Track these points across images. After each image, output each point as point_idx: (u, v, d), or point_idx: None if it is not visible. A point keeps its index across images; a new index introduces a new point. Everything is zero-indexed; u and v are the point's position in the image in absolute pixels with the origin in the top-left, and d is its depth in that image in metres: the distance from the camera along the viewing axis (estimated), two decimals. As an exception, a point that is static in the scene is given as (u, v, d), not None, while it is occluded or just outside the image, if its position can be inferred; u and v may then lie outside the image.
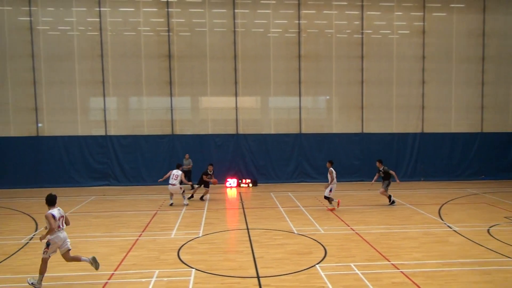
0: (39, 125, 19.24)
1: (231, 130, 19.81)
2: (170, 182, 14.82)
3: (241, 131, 19.86)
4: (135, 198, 16.51)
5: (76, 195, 17.17)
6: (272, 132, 19.99)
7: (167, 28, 19.24)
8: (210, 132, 19.74)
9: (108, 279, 8.15)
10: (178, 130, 19.70)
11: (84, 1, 19.00)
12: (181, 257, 9.36)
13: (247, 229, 11.77)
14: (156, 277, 8.19)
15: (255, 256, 9.42)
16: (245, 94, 19.90)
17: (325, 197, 14.01)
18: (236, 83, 19.60)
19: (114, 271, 8.59)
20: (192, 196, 15.98)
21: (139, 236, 11.07)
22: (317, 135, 20.08)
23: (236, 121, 19.79)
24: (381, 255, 9.37)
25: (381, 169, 14.46)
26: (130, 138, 19.46)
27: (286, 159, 19.97)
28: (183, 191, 15.06)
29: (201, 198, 15.94)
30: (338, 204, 14.00)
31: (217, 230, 11.63)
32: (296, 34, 19.76)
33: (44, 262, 7.75)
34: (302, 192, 17.48)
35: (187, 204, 14.90)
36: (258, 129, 20.03)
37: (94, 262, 7.97)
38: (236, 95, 19.68)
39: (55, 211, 8.05)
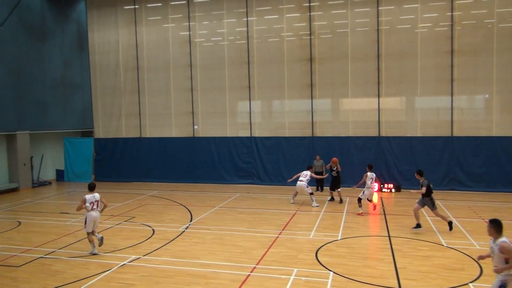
0: (195, 127, 21.58)
1: (372, 132, 19.07)
2: (299, 179, 15.40)
3: (383, 134, 18.95)
4: (276, 197, 17.18)
5: (224, 191, 18.71)
6: (419, 134, 18.55)
7: (309, 32, 19.55)
8: (350, 134, 19.34)
9: (251, 272, 8.67)
10: (318, 132, 19.82)
11: (233, 13, 20.62)
12: (319, 258, 9.39)
13: (389, 236, 11.17)
14: (295, 276, 8.39)
15: (397, 265, 8.88)
16: (389, 95, 18.92)
17: (368, 200, 14.29)
18: (378, 83, 18.80)
19: (256, 264, 9.09)
20: (332, 198, 16.11)
21: (279, 234, 11.49)
22: (473, 138, 17.88)
23: (378, 123, 18.96)
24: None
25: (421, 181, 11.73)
26: (272, 139, 20.36)
27: (434, 164, 18.29)
28: (311, 193, 15.23)
29: (340, 201, 15.79)
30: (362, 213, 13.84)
31: (356, 235, 11.32)
32: (448, 27, 17.97)
33: (88, 234, 10.14)
34: (453, 201, 15.79)
35: (317, 206, 14.94)
36: (403, 131, 18.82)
37: (100, 240, 9.98)
38: (378, 96, 18.88)
39: (89, 196, 10.16)
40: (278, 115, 20.51)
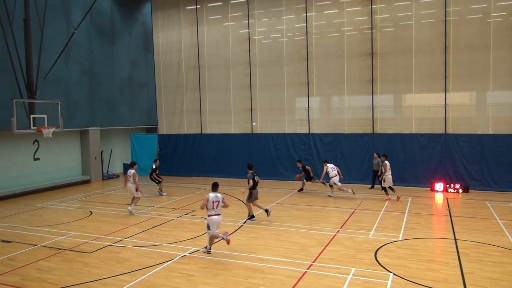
0: (254, 123, 21.83)
1: (438, 130, 18.10)
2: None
3: (450, 131, 17.92)
4: (334, 195, 16.90)
5: (281, 188, 18.76)
6: (490, 132, 17.31)
7: (370, 26, 18.96)
8: (414, 132, 18.52)
9: (307, 269, 8.63)
10: (379, 129, 19.20)
11: (293, 9, 20.54)
12: (379, 259, 9.13)
13: (455, 239, 10.58)
14: (352, 275, 8.23)
15: (463, 270, 8.39)
16: (456, 90, 17.83)
17: (382, 188, 15.68)
18: (445, 77, 17.79)
19: (313, 262, 9.04)
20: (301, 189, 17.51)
21: (337, 232, 11.31)
22: (553, 136, 16.37)
23: (445, 120, 17.96)
24: None
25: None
26: (331, 136, 20.05)
27: (508, 164, 16.98)
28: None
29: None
30: (397, 198, 15.43)
31: (419, 236, 10.85)
32: (526, 15, 16.54)
33: (212, 237, 9.77)
34: (530, 204, 14.58)
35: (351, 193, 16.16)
36: (472, 128, 17.67)
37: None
38: (445, 91, 17.87)
39: (212, 195, 9.81)
40: (337, 111, 20.13)
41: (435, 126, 18.16)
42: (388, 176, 15.50)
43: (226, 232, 9.71)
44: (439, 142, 18.01)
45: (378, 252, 9.57)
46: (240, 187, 19.20)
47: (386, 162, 15.65)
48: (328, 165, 16.58)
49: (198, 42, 22.80)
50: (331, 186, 16.72)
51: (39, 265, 9.24)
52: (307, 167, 17.62)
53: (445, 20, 17.63)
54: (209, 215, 9.73)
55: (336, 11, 19.64)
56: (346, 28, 19.49)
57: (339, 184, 16.34)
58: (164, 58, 23.89)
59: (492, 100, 17.38)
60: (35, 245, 10.73)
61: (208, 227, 9.70)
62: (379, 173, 16.33)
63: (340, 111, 20.03)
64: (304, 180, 17.67)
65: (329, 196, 16.68)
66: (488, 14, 17.07)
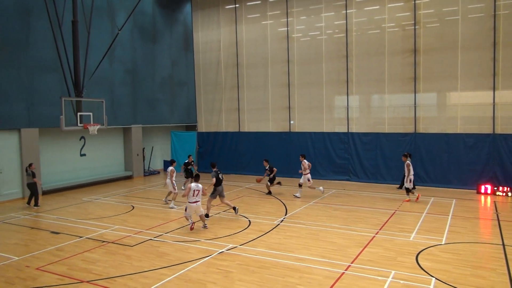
0: (292, 122, 21.73)
1: (486, 129, 17.27)
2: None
3: (498, 131, 17.06)
4: (373, 195, 16.56)
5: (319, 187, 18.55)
6: (543, 132, 16.34)
7: (413, 22, 18.37)
8: (459, 131, 17.77)
9: (345, 270, 8.51)
10: (422, 129, 18.58)
11: (332, 6, 20.24)
12: (420, 262, 8.85)
13: (503, 244, 10.06)
14: (392, 278, 8.02)
15: (512, 278, 7.99)
16: (506, 87, 16.90)
17: (406, 189, 15.26)
18: (494, 75, 16.94)
19: (351, 263, 8.89)
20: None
21: (376, 234, 11.07)
22: None
23: (493, 119, 17.11)
24: None
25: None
26: (370, 135, 19.63)
27: (563, 166, 15.97)
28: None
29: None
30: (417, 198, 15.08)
31: (464, 241, 10.41)
32: None
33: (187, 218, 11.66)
34: None
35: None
36: (523, 128, 16.73)
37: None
38: (494, 88, 17.02)
39: (193, 185, 11.45)
40: (377, 110, 19.66)
41: (483, 125, 17.34)
42: (411, 177, 15.17)
43: (194, 223, 11.55)
44: (486, 142, 17.19)
45: (419, 255, 9.27)
46: (277, 185, 19.20)
47: (409, 162, 15.32)
48: (305, 160, 16.39)
49: (237, 40, 22.97)
50: (300, 185, 16.40)
51: (85, 256, 9.66)
52: (274, 168, 17.04)
53: (494, 14, 16.78)
54: (189, 202, 11.40)
55: (377, 7, 19.17)
56: (388, 24, 18.98)
57: (311, 181, 16.24)
58: (204, 57, 24.27)
59: (545, 99, 16.38)
60: (81, 237, 11.23)
61: (186, 210, 11.56)
62: (406, 173, 15.39)
63: (381, 109, 19.55)
64: (268, 183, 17.17)
65: (295, 196, 16.29)
66: (542, 7, 16.09)
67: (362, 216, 13.10)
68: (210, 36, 23.93)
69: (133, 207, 14.91)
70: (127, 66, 22.06)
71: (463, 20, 17.44)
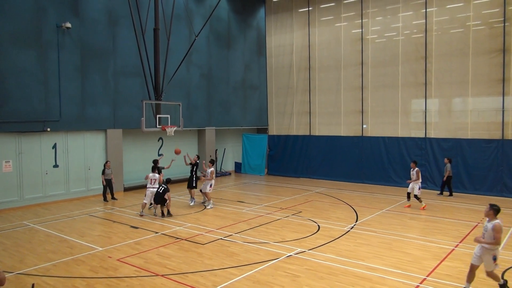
0: (364, 126, 21.09)
1: None
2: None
3: None
4: (454, 206, 15.48)
5: (393, 194, 17.80)
6: None
7: (502, 19, 16.91)
8: (555, 138, 16.01)
9: (420, 283, 8.05)
10: (510, 135, 17.01)
11: (410, 5, 19.32)
12: (507, 279, 8.08)
13: None
14: (473, 295, 7.43)
15: None
16: None
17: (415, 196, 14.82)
18: None
19: (427, 276, 8.39)
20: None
21: (455, 247, 10.32)
22: None
23: None
24: None
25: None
26: (451, 141, 18.38)
27: None
28: None
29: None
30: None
31: (560, 260, 9.32)
32: None
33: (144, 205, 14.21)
34: None
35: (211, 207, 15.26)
36: None
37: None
38: None
39: (151, 174, 14.19)
40: (459, 114, 18.37)
41: None
42: (419, 184, 14.93)
43: (155, 206, 13.89)
44: None
45: (506, 273, 8.48)
46: (348, 191, 18.75)
47: (417, 168, 15.20)
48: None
49: (309, 44, 22.85)
50: (202, 192, 15.53)
51: (160, 251, 10.20)
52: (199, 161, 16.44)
53: None
54: (147, 187, 14.05)
55: (461, 4, 17.94)
56: (473, 22, 17.67)
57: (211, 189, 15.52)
58: (276, 60, 24.48)
59: None
60: (157, 232, 11.88)
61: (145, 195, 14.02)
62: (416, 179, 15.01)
63: (463, 113, 18.24)
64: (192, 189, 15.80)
65: (206, 207, 15.23)
66: None
67: (441, 227, 12.30)
68: (283, 40, 24.08)
69: (205, 207, 15.43)
70: (203, 70, 22.95)
71: None
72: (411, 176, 15.17)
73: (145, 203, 14.14)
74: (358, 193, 18.11)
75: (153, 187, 13.96)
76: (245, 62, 25.92)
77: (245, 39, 25.93)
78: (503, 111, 17.07)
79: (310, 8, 22.74)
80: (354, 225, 12.58)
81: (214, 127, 23.72)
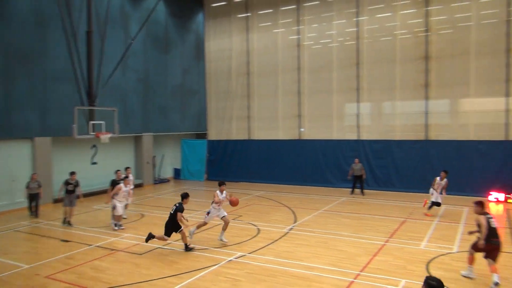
0: (302, 129, 21.69)
1: (499, 136, 17.01)
2: None
3: (512, 138, 16.79)
4: (384, 203, 16.38)
5: (329, 195, 18.46)
6: (559, 139, 16.01)
7: (425, 28, 18.26)
8: (471, 138, 17.53)
9: (354, 278, 8.41)
10: (433, 136, 18.37)
11: (344, 14, 20.24)
12: (431, 271, 8.70)
13: (517, 254, 9.85)
14: (402, 287, 7.90)
15: (526, 288, 7.79)
16: (520, 94, 16.69)
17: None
18: (508, 80, 16.71)
19: (360, 271, 8.79)
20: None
21: (386, 242, 10.93)
22: None
23: (507, 125, 16.84)
24: None
25: None
26: (381, 142, 19.47)
27: None
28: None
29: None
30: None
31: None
32: None
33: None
34: None
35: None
36: (538, 135, 16.44)
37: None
38: (507, 95, 16.78)
39: (123, 187, 12.86)
40: (388, 117, 19.53)
41: (496, 132, 17.09)
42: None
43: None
44: (500, 149, 16.92)
45: (430, 264, 9.13)
46: (287, 193, 19.14)
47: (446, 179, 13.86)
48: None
49: (248, 49, 23.11)
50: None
51: (94, 264, 9.73)
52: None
53: (508, 20, 16.60)
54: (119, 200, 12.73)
55: (389, 14, 19.14)
56: (400, 31, 18.91)
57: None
58: (215, 65, 24.46)
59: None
60: (90, 245, 11.31)
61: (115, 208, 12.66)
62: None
63: (392, 117, 19.41)
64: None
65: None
66: (556, 12, 15.87)
67: (372, 224, 12.96)
68: (222, 44, 24.13)
69: (143, 215, 14.98)
70: (139, 75, 22.34)
71: (476, 26, 17.30)
72: (437, 185, 13.82)
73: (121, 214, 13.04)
74: (296, 195, 18.56)
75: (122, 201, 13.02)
76: (183, 66, 25.63)
77: (183, 43, 25.65)
78: (426, 114, 18.39)
79: (248, 14, 23.02)
80: (293, 226, 12.87)
81: (151, 133, 23.15)
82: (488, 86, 17.15)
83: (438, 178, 13.94)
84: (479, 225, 8.15)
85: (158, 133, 23.85)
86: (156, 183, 23.49)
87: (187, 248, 10.49)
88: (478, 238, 8.15)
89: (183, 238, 10.55)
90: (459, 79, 17.64)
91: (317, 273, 8.79)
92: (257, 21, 22.84)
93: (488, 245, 7.97)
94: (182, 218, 10.32)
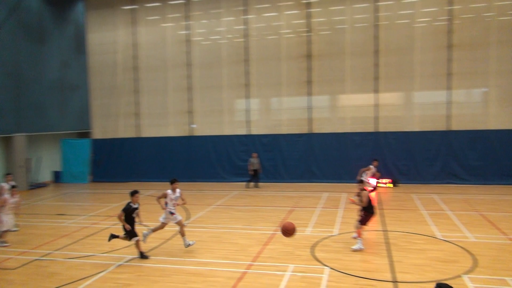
0: (193, 126, 21.57)
1: (370, 128, 19.06)
2: None
3: (381, 129, 18.94)
4: (273, 194, 17.19)
5: (221, 189, 18.72)
6: (416, 129, 18.54)
7: (307, 29, 19.52)
8: (348, 131, 19.34)
9: (247, 269, 8.67)
10: (316, 129, 19.81)
11: (232, 11, 20.58)
12: (315, 254, 9.39)
13: (385, 231, 11.17)
14: (291, 272, 8.39)
15: (393, 259, 8.89)
16: (386, 90, 18.89)
17: None
18: (376, 79, 18.78)
19: (252, 262, 9.09)
20: None
21: (276, 231, 11.48)
22: (470, 132, 17.87)
23: (376, 119, 18.95)
24: (552, 273, 7.86)
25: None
26: (270, 137, 20.35)
27: (431, 158, 18.30)
28: None
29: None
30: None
31: (353, 230, 11.29)
32: (446, 21, 17.93)
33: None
34: (450, 195, 15.81)
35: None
36: (400, 126, 18.80)
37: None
38: (376, 91, 18.87)
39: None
40: (276, 112, 20.50)
41: (367, 124, 19.09)
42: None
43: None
44: (371, 140, 18.96)
45: (315, 248, 9.84)
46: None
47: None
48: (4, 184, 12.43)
49: (135, 43, 22.12)
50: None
51: (-45, 285, 8.42)
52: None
53: (376, 24, 18.61)
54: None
55: (275, 14, 20.00)
56: (285, 31, 19.91)
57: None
58: (99, 59, 22.90)
59: (417, 100, 18.65)
60: (-50, 263, 9.76)
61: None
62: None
63: (279, 112, 20.41)
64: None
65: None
66: (414, 19, 18.30)
67: (264, 215, 13.51)
68: (106, 37, 22.68)
69: (17, 225, 13.38)
70: (8, 68, 19.82)
71: (350, 29, 19.05)
72: (371, 173, 14.54)
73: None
74: (189, 192, 18.37)
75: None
76: (62, 59, 23.45)
77: (61, 34, 23.45)
78: (309, 109, 19.73)
79: (135, 7, 21.99)
80: (186, 223, 12.74)
81: (24, 133, 20.76)
82: (360, 84, 19.06)
83: (371, 166, 14.64)
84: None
85: (33, 133, 21.49)
86: (32, 188, 21.18)
87: (143, 256, 9.60)
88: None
89: (137, 245, 9.64)
90: (337, 77, 19.28)
91: (211, 268, 8.85)
92: (144, 14, 21.97)
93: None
94: (121, 218, 9.45)
